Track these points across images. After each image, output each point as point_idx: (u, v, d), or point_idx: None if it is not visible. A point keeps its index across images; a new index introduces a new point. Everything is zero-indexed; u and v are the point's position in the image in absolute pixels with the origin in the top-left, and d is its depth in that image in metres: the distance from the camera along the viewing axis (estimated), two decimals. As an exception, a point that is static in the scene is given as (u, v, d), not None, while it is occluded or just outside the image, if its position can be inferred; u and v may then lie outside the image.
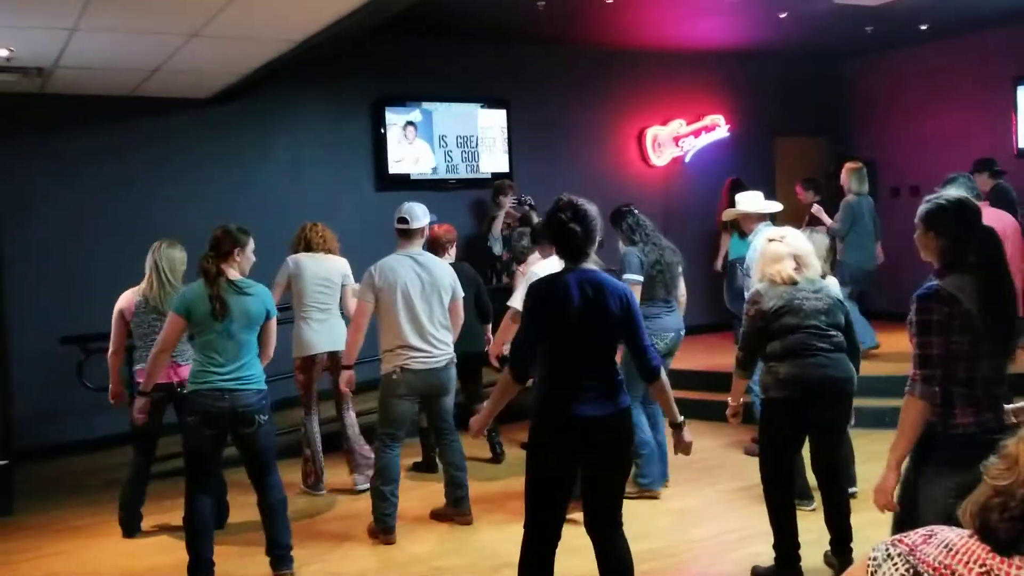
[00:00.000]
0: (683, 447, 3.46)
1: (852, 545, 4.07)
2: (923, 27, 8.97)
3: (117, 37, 5.49)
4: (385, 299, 4.75)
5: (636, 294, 5.17)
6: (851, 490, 5.05)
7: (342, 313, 5.74)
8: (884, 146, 10.28)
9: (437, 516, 5.13)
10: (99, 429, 6.75)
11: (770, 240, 4.12)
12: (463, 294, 5.05)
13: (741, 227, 6.08)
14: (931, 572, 1.14)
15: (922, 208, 2.97)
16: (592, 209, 3.34)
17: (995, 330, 2.84)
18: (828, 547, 4.14)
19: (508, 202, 8.16)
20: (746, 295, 4.53)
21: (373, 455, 5.17)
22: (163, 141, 7.62)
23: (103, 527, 5.27)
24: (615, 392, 3.29)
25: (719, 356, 7.57)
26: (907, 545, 1.19)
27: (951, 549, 1.15)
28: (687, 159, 10.11)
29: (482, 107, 8.96)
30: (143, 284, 5.05)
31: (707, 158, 10.10)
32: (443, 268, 4.98)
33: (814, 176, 9.23)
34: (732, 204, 6.41)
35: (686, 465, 5.54)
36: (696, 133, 10.12)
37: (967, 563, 1.12)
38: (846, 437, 5.04)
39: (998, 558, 1.11)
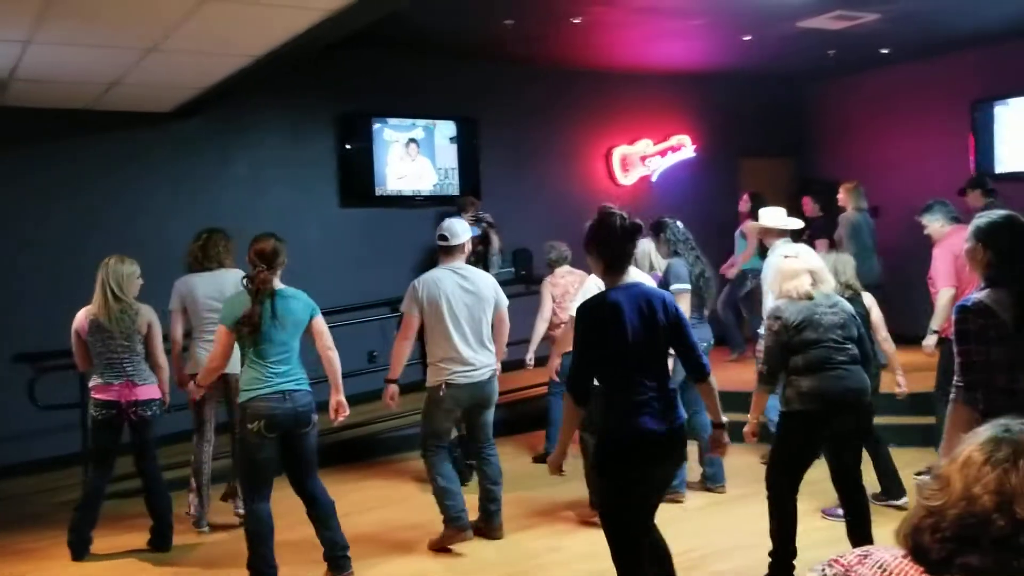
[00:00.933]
0: (720, 448, 3.52)
1: None
2: (884, 51, 9.11)
3: (74, 50, 5.41)
4: (429, 312, 4.81)
5: (685, 303, 5.27)
6: (903, 500, 5.19)
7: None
8: (847, 167, 10.37)
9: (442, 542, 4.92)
10: (48, 450, 6.58)
11: (786, 257, 4.26)
12: (507, 302, 5.07)
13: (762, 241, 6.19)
14: None
15: (975, 224, 3.13)
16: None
17: None
18: None
19: (467, 219, 8.14)
20: (762, 309, 5.18)
21: None
22: (122, 155, 7.51)
23: (53, 549, 5.13)
24: (674, 406, 3.33)
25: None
26: (843, 566, 1.17)
27: (885, 569, 1.13)
28: (654, 178, 10.17)
29: (451, 124, 8.96)
30: (93, 302, 4.93)
31: (674, 178, 10.17)
32: (486, 280, 5.00)
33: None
34: (753, 217, 6.58)
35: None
36: (663, 153, 10.18)
37: None
38: (883, 449, 5.21)
39: None
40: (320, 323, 4.45)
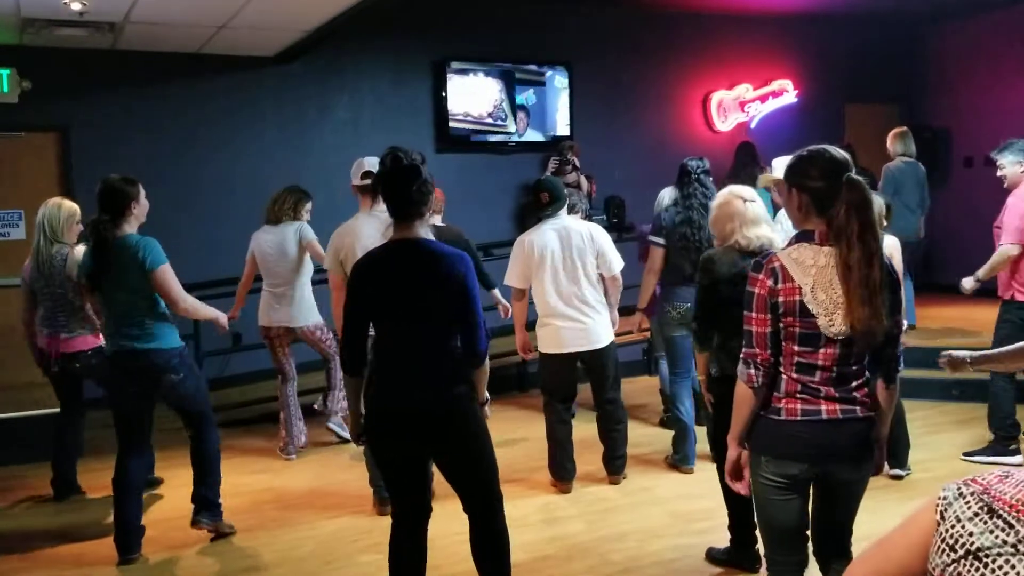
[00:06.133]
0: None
1: None
2: (1006, -11, 8.60)
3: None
4: (345, 265, 4.32)
5: (655, 255, 5.06)
6: (903, 472, 4.87)
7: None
8: (959, 115, 9.92)
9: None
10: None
11: (745, 201, 3.67)
12: None
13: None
14: (1007, 509, 1.09)
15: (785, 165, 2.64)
16: (421, 163, 2.97)
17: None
18: None
19: (552, 164, 8.17)
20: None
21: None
22: (227, 99, 7.72)
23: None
24: (452, 380, 2.97)
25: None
26: (981, 484, 1.15)
27: None
28: (753, 125, 9.90)
29: (544, 68, 8.89)
30: (32, 246, 4.77)
31: (773, 124, 9.87)
32: None
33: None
34: (741, 167, 6.12)
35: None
36: (763, 98, 9.89)
37: None
38: (902, 420, 4.83)
39: None
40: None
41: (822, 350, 2.46)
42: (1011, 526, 1.08)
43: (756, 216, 3.64)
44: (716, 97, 9.74)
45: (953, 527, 1.13)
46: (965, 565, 1.10)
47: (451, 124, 8.50)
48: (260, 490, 5.04)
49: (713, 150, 9.62)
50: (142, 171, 7.31)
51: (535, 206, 4.84)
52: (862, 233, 2.38)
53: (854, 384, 2.52)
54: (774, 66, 9.95)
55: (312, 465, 5.63)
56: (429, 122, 8.54)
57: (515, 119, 8.82)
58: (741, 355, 2.57)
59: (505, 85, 8.73)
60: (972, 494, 1.14)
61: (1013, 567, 1.06)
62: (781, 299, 2.45)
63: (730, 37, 9.61)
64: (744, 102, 9.83)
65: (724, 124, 9.78)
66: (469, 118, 8.65)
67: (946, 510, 1.15)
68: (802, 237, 2.52)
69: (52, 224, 4.69)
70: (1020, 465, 4.99)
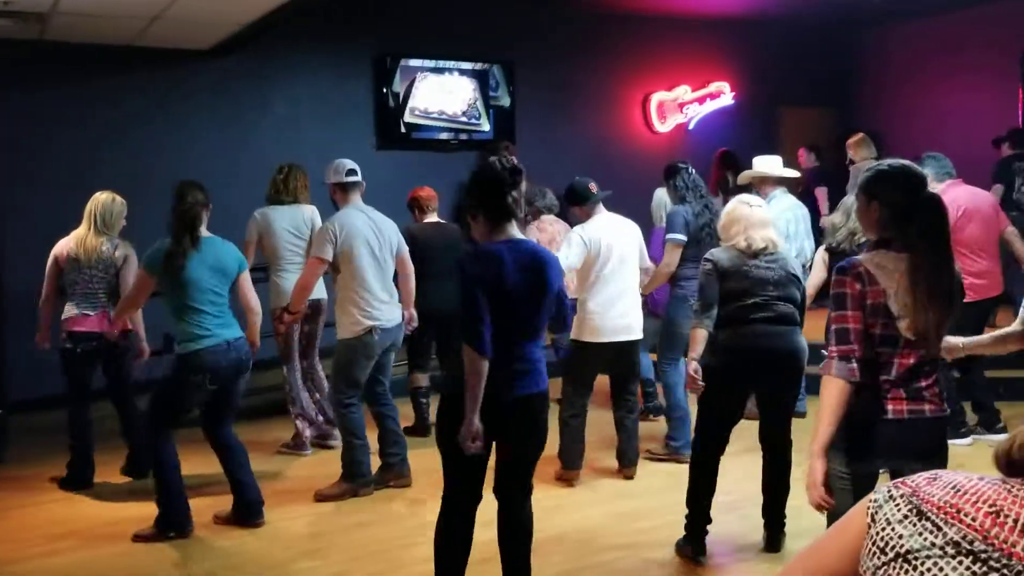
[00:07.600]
0: None
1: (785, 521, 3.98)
2: (935, -3, 8.85)
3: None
4: (349, 256, 4.64)
5: (675, 255, 5.17)
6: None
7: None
8: (892, 118, 10.18)
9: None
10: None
11: (752, 206, 3.94)
12: (408, 248, 4.97)
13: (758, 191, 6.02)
14: (935, 511, 1.11)
15: (862, 176, 2.78)
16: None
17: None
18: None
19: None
20: None
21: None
22: (161, 93, 7.53)
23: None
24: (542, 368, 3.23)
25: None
26: (910, 487, 1.17)
27: (958, 490, 1.12)
28: (691, 126, 10.03)
29: (486, 66, 8.87)
30: (75, 233, 4.96)
31: (711, 126, 10.02)
32: (389, 223, 4.91)
33: (817, 143, 9.25)
34: (725, 175, 6.37)
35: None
36: (701, 100, 10.03)
37: (975, 503, 1.10)
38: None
39: (1009, 498, 1.08)
40: None
41: (900, 351, 2.61)
42: (939, 528, 1.10)
43: (763, 219, 3.90)
44: (656, 98, 9.84)
45: (883, 530, 1.15)
46: (895, 567, 1.12)
47: (417, 121, 8.46)
48: (193, 497, 4.91)
49: (652, 151, 9.73)
50: (71, 168, 7.17)
51: (583, 196, 4.98)
52: (938, 244, 2.58)
53: (924, 383, 2.64)
54: (712, 68, 10.09)
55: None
56: (370, 118, 8.45)
57: (489, 118, 8.78)
58: (834, 354, 2.57)
59: (448, 83, 8.69)
60: (901, 496, 1.16)
61: (941, 569, 1.08)
62: (869, 301, 2.58)
63: (670, 39, 9.71)
64: (683, 103, 9.95)
65: (663, 125, 9.89)
66: (444, 116, 8.61)
67: (877, 512, 1.17)
68: (880, 245, 2.66)
69: (105, 217, 4.96)
70: (969, 445, 5.21)
